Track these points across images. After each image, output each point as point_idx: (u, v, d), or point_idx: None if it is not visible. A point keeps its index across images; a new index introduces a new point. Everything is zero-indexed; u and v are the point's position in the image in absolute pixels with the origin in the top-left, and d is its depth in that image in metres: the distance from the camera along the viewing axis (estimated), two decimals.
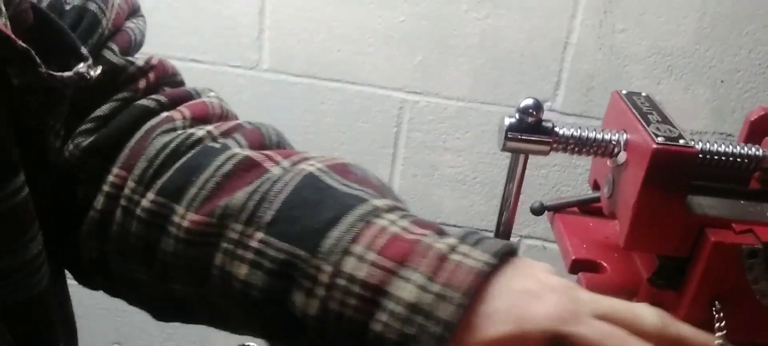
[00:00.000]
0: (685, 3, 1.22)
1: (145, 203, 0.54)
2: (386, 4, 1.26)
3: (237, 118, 0.62)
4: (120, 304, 0.62)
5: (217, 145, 0.56)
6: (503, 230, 0.61)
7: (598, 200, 0.65)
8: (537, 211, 0.68)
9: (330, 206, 0.49)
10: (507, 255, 0.46)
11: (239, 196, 0.52)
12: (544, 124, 0.56)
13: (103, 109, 0.57)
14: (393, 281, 0.45)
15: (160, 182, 0.54)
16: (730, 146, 0.56)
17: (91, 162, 0.56)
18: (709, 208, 0.55)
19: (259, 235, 0.50)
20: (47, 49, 0.48)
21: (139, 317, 0.65)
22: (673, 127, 0.54)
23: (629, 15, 1.24)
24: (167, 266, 0.54)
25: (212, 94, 0.63)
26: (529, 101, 0.56)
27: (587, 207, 0.68)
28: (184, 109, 0.59)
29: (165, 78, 0.62)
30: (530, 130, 0.56)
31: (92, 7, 0.57)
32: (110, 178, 0.55)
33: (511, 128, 0.56)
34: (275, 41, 1.32)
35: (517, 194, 0.59)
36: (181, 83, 0.64)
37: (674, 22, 1.23)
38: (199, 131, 0.57)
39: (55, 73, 0.49)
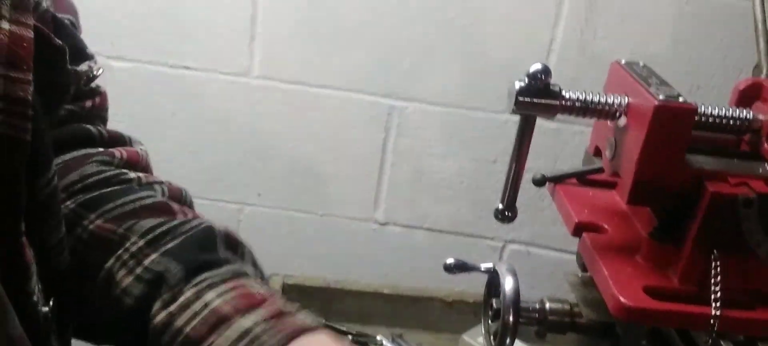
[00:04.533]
0: (662, 11, 1.28)
1: (62, 208, 0.59)
2: (375, 10, 1.30)
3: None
4: None
5: (142, 188, 0.64)
6: (510, 197, 0.64)
7: (598, 170, 0.69)
8: (539, 182, 0.71)
9: (215, 255, 0.59)
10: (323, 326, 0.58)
11: (149, 221, 0.60)
12: (551, 87, 0.59)
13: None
14: (239, 316, 0.55)
15: (83, 197, 0.62)
16: (724, 109, 0.60)
17: None
18: (706, 164, 0.59)
19: (154, 256, 0.58)
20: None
21: None
22: (672, 88, 0.58)
23: (610, 22, 1.29)
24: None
25: (142, 147, 0.72)
26: (538, 66, 0.59)
27: (586, 179, 0.72)
28: (122, 151, 0.67)
29: (104, 110, 0.71)
30: (539, 94, 0.59)
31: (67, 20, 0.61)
32: None
33: (521, 91, 0.59)
34: (266, 48, 1.34)
35: (524, 157, 0.62)
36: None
37: (652, 29, 1.29)
38: (131, 173, 0.66)
39: (77, 69, 0.56)
